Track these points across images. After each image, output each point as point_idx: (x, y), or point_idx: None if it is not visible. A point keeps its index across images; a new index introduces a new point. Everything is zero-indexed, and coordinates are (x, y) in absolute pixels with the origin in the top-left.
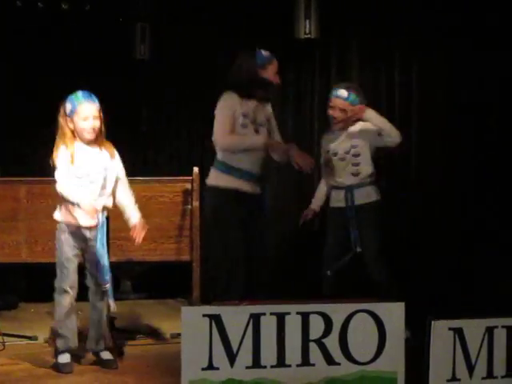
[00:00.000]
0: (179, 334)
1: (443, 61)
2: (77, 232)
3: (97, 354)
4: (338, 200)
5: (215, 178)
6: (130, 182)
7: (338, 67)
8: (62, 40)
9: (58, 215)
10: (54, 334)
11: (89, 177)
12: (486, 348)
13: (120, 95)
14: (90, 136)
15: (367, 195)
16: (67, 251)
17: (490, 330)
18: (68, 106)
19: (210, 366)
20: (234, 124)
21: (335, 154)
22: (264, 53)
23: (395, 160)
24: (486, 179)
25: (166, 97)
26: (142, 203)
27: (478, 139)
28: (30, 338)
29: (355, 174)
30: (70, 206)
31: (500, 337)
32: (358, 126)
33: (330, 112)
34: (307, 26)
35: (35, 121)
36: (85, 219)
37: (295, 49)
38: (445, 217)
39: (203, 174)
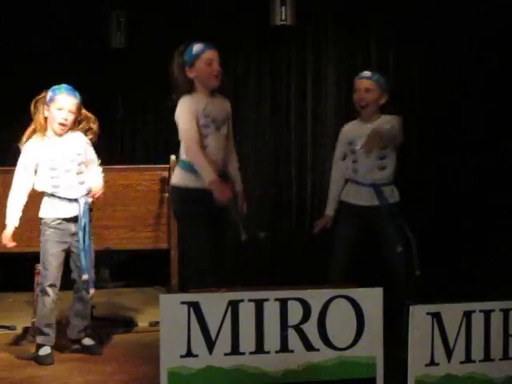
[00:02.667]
0: (158, 322)
1: (420, 50)
2: (61, 227)
3: (78, 341)
4: (360, 197)
5: (181, 178)
6: (107, 171)
7: (314, 55)
8: (37, 28)
9: (41, 212)
10: (35, 331)
11: (63, 166)
12: (464, 332)
13: (96, 83)
14: (58, 129)
15: (392, 195)
16: (51, 247)
17: (467, 315)
18: (49, 94)
19: (189, 354)
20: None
21: (361, 148)
22: (195, 47)
23: None
24: (463, 169)
25: (143, 85)
26: (119, 191)
27: (455, 132)
28: (8, 327)
29: (381, 169)
30: (51, 200)
31: (477, 321)
32: (381, 118)
33: (355, 97)
34: (283, 12)
35: (10, 109)
36: (66, 210)
37: (271, 36)
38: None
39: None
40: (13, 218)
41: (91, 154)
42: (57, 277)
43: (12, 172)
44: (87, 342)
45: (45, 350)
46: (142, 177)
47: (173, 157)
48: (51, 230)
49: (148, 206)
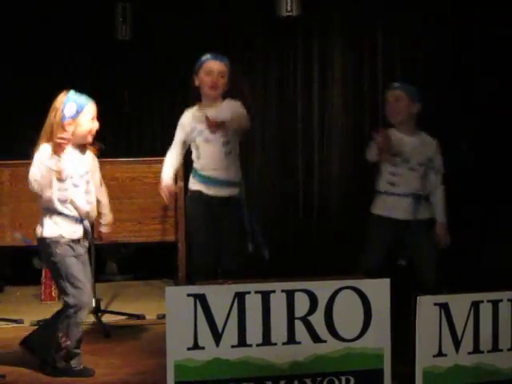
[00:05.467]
0: (165, 315)
1: (426, 39)
2: (71, 244)
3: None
4: (396, 209)
5: (189, 182)
6: (114, 163)
7: (320, 45)
8: (42, 19)
9: (45, 232)
10: (69, 356)
11: (72, 179)
12: (472, 323)
13: (102, 76)
14: (89, 139)
15: (429, 210)
16: (71, 263)
17: (475, 305)
18: (72, 107)
19: (196, 346)
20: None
21: (406, 162)
22: (203, 56)
23: None
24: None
25: (149, 77)
26: (126, 184)
27: (463, 114)
28: (15, 321)
29: (421, 189)
30: (54, 217)
31: (485, 311)
32: (421, 136)
33: (387, 107)
34: (289, 3)
35: (19, 104)
36: (72, 231)
37: (277, 27)
38: None
39: (187, 155)
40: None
41: (97, 174)
42: (89, 290)
43: (21, 165)
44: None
45: (78, 361)
46: (149, 169)
47: None
48: (64, 246)
49: (155, 198)
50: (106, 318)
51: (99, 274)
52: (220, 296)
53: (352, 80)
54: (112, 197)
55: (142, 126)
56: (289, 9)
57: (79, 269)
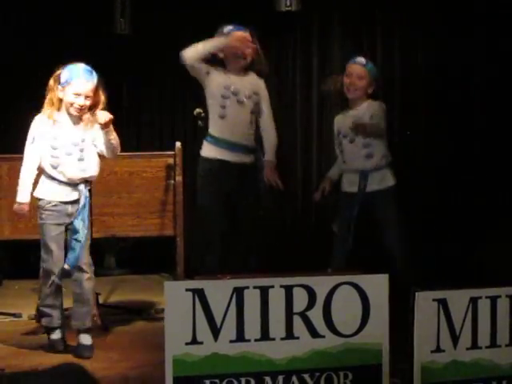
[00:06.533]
0: (163, 310)
1: (425, 34)
2: (57, 209)
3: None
4: (351, 184)
5: (204, 149)
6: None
7: (319, 41)
8: (39, 14)
9: (38, 192)
10: (40, 314)
11: (64, 148)
12: (470, 319)
13: (100, 71)
14: (75, 112)
15: (382, 180)
16: (49, 230)
17: (474, 301)
18: (64, 75)
19: (194, 341)
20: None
21: (345, 137)
22: (225, 28)
23: None
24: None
25: (148, 72)
26: (125, 178)
27: (463, 112)
28: (14, 315)
29: (367, 157)
30: (48, 181)
31: (484, 307)
32: (366, 103)
33: (347, 80)
34: None
35: (16, 96)
36: (64, 194)
37: (276, 22)
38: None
39: (186, 149)
40: (22, 193)
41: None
42: (58, 260)
43: (19, 159)
44: (83, 340)
45: (56, 335)
46: (148, 164)
47: (178, 144)
48: (47, 212)
49: (154, 192)
50: (104, 312)
51: (97, 268)
52: (218, 291)
53: None
54: (110, 191)
55: (140, 121)
56: (288, 4)
57: (52, 237)
